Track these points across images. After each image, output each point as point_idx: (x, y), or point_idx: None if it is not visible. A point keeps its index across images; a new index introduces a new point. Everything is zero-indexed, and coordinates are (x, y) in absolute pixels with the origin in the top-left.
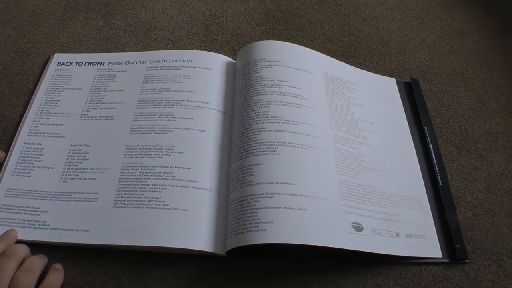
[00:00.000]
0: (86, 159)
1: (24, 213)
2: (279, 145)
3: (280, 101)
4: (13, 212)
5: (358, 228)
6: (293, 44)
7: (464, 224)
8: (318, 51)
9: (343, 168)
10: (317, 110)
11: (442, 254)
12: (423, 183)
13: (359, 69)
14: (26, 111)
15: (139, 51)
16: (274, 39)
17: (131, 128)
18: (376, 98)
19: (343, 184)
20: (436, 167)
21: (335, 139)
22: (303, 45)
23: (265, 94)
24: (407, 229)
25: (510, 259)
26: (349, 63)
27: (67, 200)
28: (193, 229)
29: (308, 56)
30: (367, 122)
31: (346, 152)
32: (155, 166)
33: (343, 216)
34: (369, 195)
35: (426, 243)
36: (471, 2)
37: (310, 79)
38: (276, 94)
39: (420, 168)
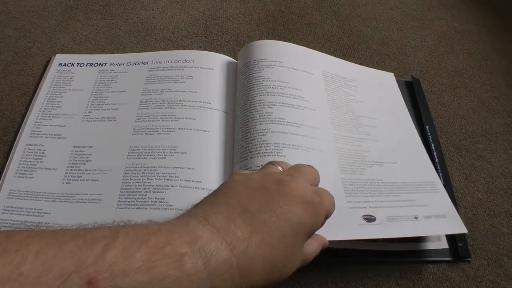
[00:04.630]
0: (89, 160)
1: (27, 215)
2: (284, 147)
3: (282, 103)
4: (15, 214)
5: (370, 219)
6: (292, 44)
7: (464, 224)
8: (318, 51)
9: (347, 166)
10: (318, 112)
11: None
12: (433, 167)
13: (358, 65)
14: (28, 112)
15: (139, 51)
16: (274, 39)
17: (134, 129)
18: (376, 92)
19: (348, 182)
20: (438, 165)
21: (337, 139)
22: (303, 45)
23: (267, 95)
24: (426, 211)
25: (510, 259)
26: None
27: (70, 202)
28: None
29: (307, 56)
30: (369, 117)
31: (349, 150)
32: (158, 167)
33: (351, 211)
34: (379, 188)
35: (448, 221)
36: (471, 2)
37: (310, 80)
38: (279, 95)
39: None
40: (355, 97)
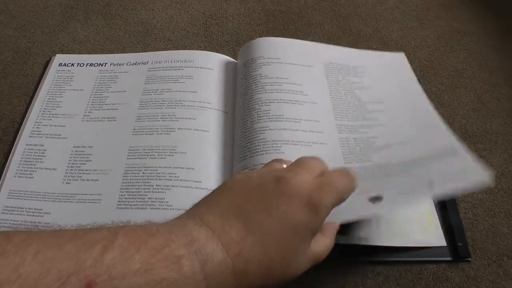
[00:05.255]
0: (89, 161)
1: (27, 215)
2: (282, 144)
3: (280, 99)
4: (16, 214)
5: (378, 198)
6: (291, 39)
7: (464, 224)
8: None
9: (352, 156)
10: (319, 104)
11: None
12: (449, 132)
13: (364, 50)
14: (28, 112)
15: (139, 51)
16: None
17: (134, 129)
18: (385, 75)
19: None
20: None
21: (340, 129)
22: None
23: (265, 93)
24: (443, 176)
25: (510, 259)
26: None
27: (70, 202)
28: None
29: (307, 50)
30: (376, 103)
31: (354, 139)
32: (158, 167)
33: (357, 197)
34: (388, 171)
35: (468, 176)
36: (471, 2)
37: (310, 73)
38: (276, 92)
39: None
40: (361, 84)
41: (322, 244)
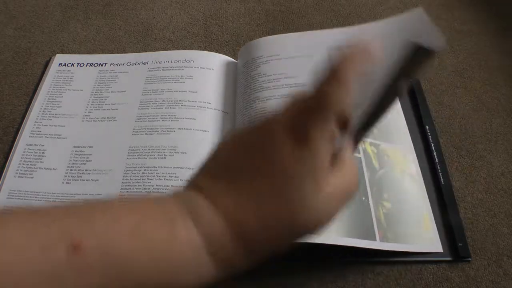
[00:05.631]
0: (89, 161)
1: None
2: None
3: (277, 95)
4: None
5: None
6: (291, 33)
7: (464, 224)
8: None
9: None
10: None
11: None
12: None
13: (374, 23)
14: (28, 112)
15: (139, 51)
16: None
17: (134, 129)
18: (397, 40)
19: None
20: (438, 166)
21: None
22: None
23: (262, 91)
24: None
25: (510, 259)
26: None
27: (70, 202)
28: None
29: (308, 40)
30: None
31: (359, 116)
32: (158, 167)
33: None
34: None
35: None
36: (471, 2)
37: (310, 63)
38: (274, 88)
39: (422, 167)
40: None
41: (339, 179)
